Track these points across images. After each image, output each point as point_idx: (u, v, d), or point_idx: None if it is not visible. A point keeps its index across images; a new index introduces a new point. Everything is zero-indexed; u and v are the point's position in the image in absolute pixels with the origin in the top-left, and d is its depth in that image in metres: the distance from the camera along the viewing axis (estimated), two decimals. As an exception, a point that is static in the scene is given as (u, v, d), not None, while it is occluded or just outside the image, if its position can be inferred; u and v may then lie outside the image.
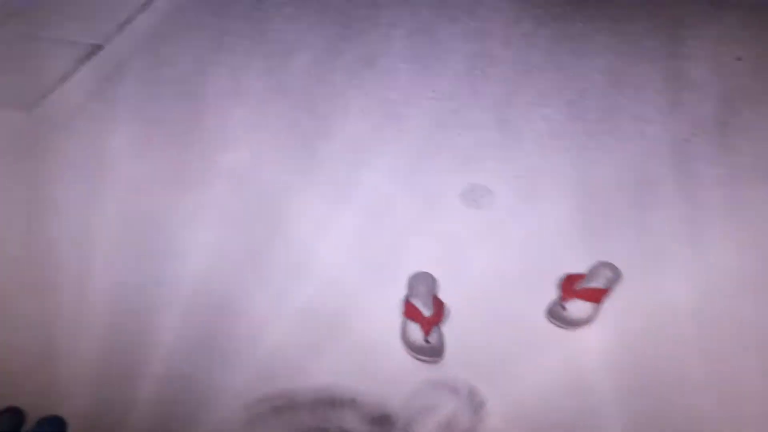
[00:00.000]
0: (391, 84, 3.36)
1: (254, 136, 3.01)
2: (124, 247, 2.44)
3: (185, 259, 2.37)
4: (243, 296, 2.23)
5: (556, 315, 2.14)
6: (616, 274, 2.24)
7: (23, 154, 2.92)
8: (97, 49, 3.59)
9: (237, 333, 2.10)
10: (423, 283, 2.22)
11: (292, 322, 2.15)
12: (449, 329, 2.11)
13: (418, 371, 2.00)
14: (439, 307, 2.15)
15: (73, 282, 2.29)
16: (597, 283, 2.18)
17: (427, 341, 2.03)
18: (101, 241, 2.46)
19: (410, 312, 2.12)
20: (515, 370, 2.00)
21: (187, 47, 3.63)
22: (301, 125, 3.09)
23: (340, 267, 2.37)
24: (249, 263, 2.37)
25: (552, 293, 2.22)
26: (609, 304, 2.18)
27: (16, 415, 1.80)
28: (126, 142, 2.97)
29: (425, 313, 2.09)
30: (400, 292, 2.23)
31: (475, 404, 1.89)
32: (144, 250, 2.43)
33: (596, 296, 2.15)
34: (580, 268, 2.27)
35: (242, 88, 3.33)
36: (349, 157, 2.90)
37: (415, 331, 2.06)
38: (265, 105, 3.21)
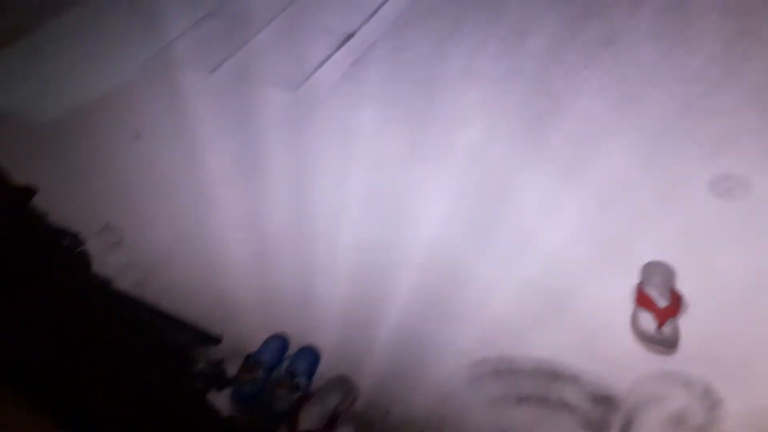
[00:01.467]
0: (631, 64, 3.19)
1: (487, 115, 3.11)
2: (369, 210, 2.73)
3: (421, 226, 2.58)
4: (471, 263, 2.36)
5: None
6: None
7: (289, 127, 3.41)
8: (349, 36, 4.00)
9: (464, 297, 2.24)
10: (659, 272, 2.12)
11: (515, 293, 2.22)
12: (686, 323, 2.00)
13: (648, 361, 1.94)
14: (676, 299, 2.04)
15: (327, 237, 2.64)
16: None
17: (659, 332, 1.95)
18: (350, 204, 2.79)
19: (643, 301, 2.05)
20: (761, 373, 1.82)
21: (427, 32, 3.85)
22: (534, 105, 3.11)
23: (567, 245, 2.37)
24: (477, 233, 2.49)
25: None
26: None
27: (283, 339, 2.17)
28: (371, 118, 3.29)
29: (660, 304, 2.00)
30: (632, 279, 2.16)
31: (711, 402, 1.78)
32: (385, 214, 2.69)
33: None
34: None
35: (477, 69, 3.44)
36: (581, 136, 2.85)
37: (648, 321, 1.99)
38: (498, 86, 3.29)
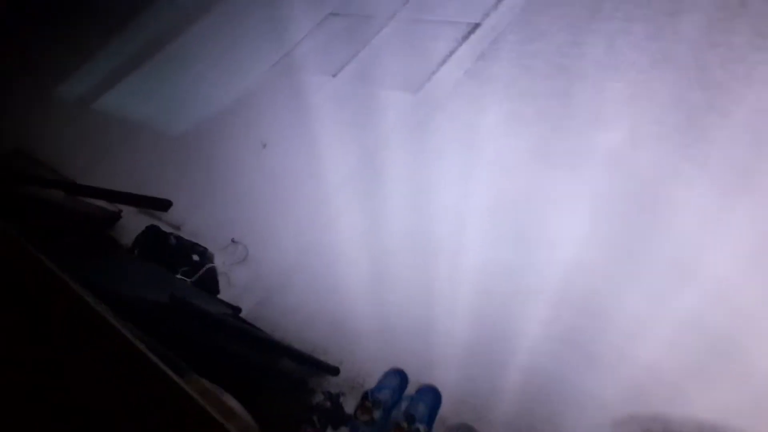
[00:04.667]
0: (819, 42, 2.63)
1: (633, 112, 2.73)
2: (495, 225, 2.51)
3: (554, 246, 2.31)
4: (614, 295, 2.06)
5: None
6: None
7: (411, 131, 3.25)
8: (474, 27, 3.74)
9: (606, 337, 1.95)
10: None
11: (670, 335, 1.90)
12: None
13: None
14: None
15: (448, 255, 2.46)
16: None
17: None
18: (474, 217, 2.58)
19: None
20: None
21: (560, 18, 3.48)
22: (690, 99, 2.67)
23: (736, 276, 1.98)
24: (622, 258, 2.17)
25: None
26: None
27: (402, 375, 2.03)
28: (498, 119, 3.04)
29: None
30: (825, 321, 1.75)
31: None
32: (513, 231, 2.45)
33: None
34: None
35: (620, 58, 3.04)
36: (751, 138, 2.39)
37: None
38: (646, 76, 2.88)
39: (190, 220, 3.20)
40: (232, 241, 2.90)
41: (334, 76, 3.95)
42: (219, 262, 2.81)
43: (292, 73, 4.16)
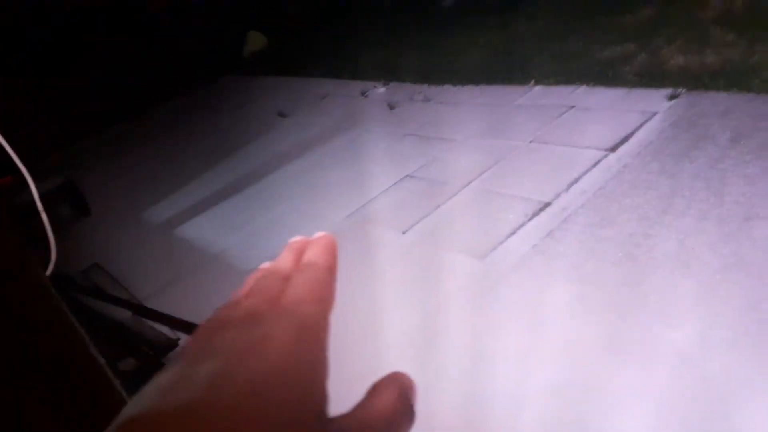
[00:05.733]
0: None
1: (704, 313, 2.67)
2: (553, 415, 2.40)
3: (615, 446, 2.17)
4: None
5: None
6: None
7: (472, 297, 3.28)
8: (545, 205, 3.87)
9: None
10: None
11: None
12: None
13: None
14: None
15: (500, 438, 2.35)
16: None
17: None
18: (531, 403, 2.49)
19: None
20: None
21: (633, 207, 3.56)
22: (763, 308, 2.60)
23: None
24: (690, 473, 2.01)
25: None
26: None
27: None
28: (563, 299, 3.03)
29: None
30: None
31: None
32: (573, 422, 2.34)
33: None
34: None
35: (692, 256, 3.04)
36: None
37: None
38: (718, 278, 2.84)
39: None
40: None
41: (403, 233, 4.12)
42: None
43: (365, 225, 4.37)
